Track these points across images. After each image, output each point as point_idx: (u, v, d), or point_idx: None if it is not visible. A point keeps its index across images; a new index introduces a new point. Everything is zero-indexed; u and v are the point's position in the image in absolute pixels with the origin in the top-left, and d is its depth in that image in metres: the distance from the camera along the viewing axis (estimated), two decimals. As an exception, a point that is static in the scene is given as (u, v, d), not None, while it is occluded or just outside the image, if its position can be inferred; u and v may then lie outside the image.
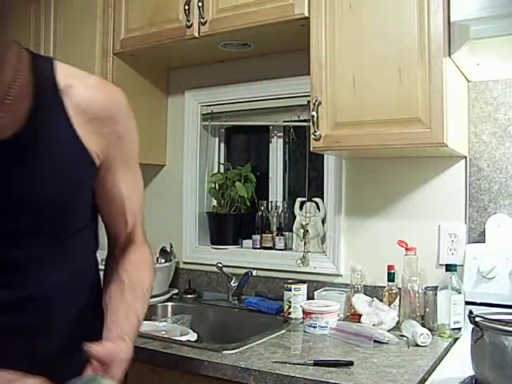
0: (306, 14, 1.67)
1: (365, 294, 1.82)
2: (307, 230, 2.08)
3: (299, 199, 2.17)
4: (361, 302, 1.77)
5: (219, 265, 2.09)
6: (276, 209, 2.27)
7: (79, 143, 0.95)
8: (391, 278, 1.76)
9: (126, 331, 0.98)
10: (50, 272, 0.96)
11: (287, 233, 2.20)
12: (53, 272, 0.97)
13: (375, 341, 1.51)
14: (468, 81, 1.78)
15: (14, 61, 0.92)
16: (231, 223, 2.30)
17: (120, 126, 1.01)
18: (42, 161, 0.92)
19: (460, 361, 1.28)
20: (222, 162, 2.45)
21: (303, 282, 1.90)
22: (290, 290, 1.86)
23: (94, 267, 1.11)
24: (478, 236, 1.75)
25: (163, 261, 2.27)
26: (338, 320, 1.70)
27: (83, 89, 0.96)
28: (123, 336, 0.97)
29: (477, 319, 1.10)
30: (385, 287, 1.77)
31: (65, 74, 0.96)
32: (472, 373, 1.14)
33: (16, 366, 0.86)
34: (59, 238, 0.97)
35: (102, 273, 1.13)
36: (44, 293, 0.95)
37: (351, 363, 1.34)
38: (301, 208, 2.15)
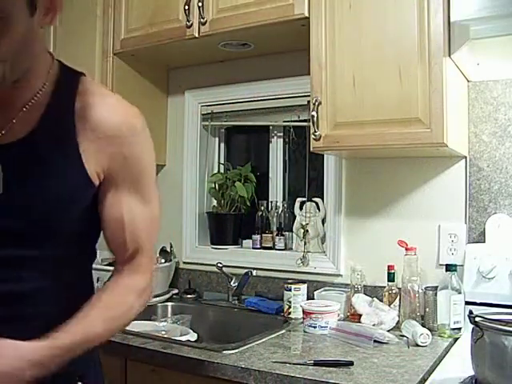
0: (306, 14, 1.67)
1: (365, 294, 1.82)
2: (307, 230, 2.08)
3: (299, 199, 2.17)
4: (361, 302, 1.77)
5: (219, 265, 2.09)
6: (276, 209, 2.27)
7: (78, 161, 0.95)
8: (391, 278, 1.76)
9: (59, 337, 0.91)
10: (39, 275, 0.97)
11: (287, 233, 2.20)
12: (42, 276, 0.97)
13: (375, 341, 1.51)
14: (468, 81, 1.78)
15: (43, 72, 0.96)
16: (231, 223, 2.30)
17: (127, 147, 0.99)
18: (38, 170, 0.94)
19: (460, 361, 1.28)
20: (222, 161, 2.45)
21: (303, 282, 1.90)
22: (290, 290, 1.86)
23: (87, 278, 1.10)
24: (478, 236, 1.75)
25: (163, 261, 2.26)
26: (338, 320, 1.70)
27: (100, 108, 0.97)
28: (49, 343, 0.90)
29: (477, 319, 1.10)
30: (385, 287, 1.77)
31: (87, 91, 0.98)
32: (472, 373, 1.14)
33: None
34: (50, 244, 0.98)
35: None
36: (32, 294, 0.97)
37: (351, 363, 1.34)
38: (301, 208, 2.15)
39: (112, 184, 1.00)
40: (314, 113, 1.63)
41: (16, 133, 0.94)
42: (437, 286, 1.64)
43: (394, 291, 1.75)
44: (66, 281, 1.01)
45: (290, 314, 1.85)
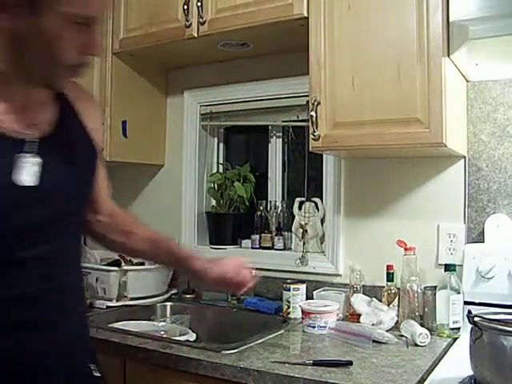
0: (305, 14, 1.67)
1: (364, 293, 1.82)
2: (306, 230, 2.08)
3: (298, 199, 2.17)
4: (360, 301, 1.77)
5: (218, 265, 2.08)
6: (275, 209, 2.27)
7: (91, 140, 1.12)
8: (390, 277, 1.76)
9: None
10: (69, 264, 1.08)
11: (286, 233, 2.20)
12: (72, 264, 1.10)
13: (374, 341, 1.51)
14: (467, 81, 1.78)
15: None
16: (230, 223, 2.29)
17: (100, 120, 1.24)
18: (69, 157, 1.05)
19: (459, 361, 1.27)
20: (221, 161, 2.45)
21: (302, 281, 1.90)
22: (289, 289, 1.86)
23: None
24: (477, 236, 1.76)
25: (162, 261, 2.26)
26: (337, 320, 1.70)
27: (77, 89, 1.13)
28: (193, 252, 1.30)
29: (476, 319, 1.10)
30: (384, 287, 1.77)
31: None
32: (471, 373, 1.14)
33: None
34: (79, 231, 1.12)
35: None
36: (70, 288, 1.07)
37: (350, 363, 1.34)
38: (300, 208, 2.15)
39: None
40: (312, 113, 1.63)
41: (45, 127, 1.03)
42: (436, 286, 1.64)
43: (393, 291, 1.75)
44: (79, 271, 1.15)
45: (289, 313, 1.85)
